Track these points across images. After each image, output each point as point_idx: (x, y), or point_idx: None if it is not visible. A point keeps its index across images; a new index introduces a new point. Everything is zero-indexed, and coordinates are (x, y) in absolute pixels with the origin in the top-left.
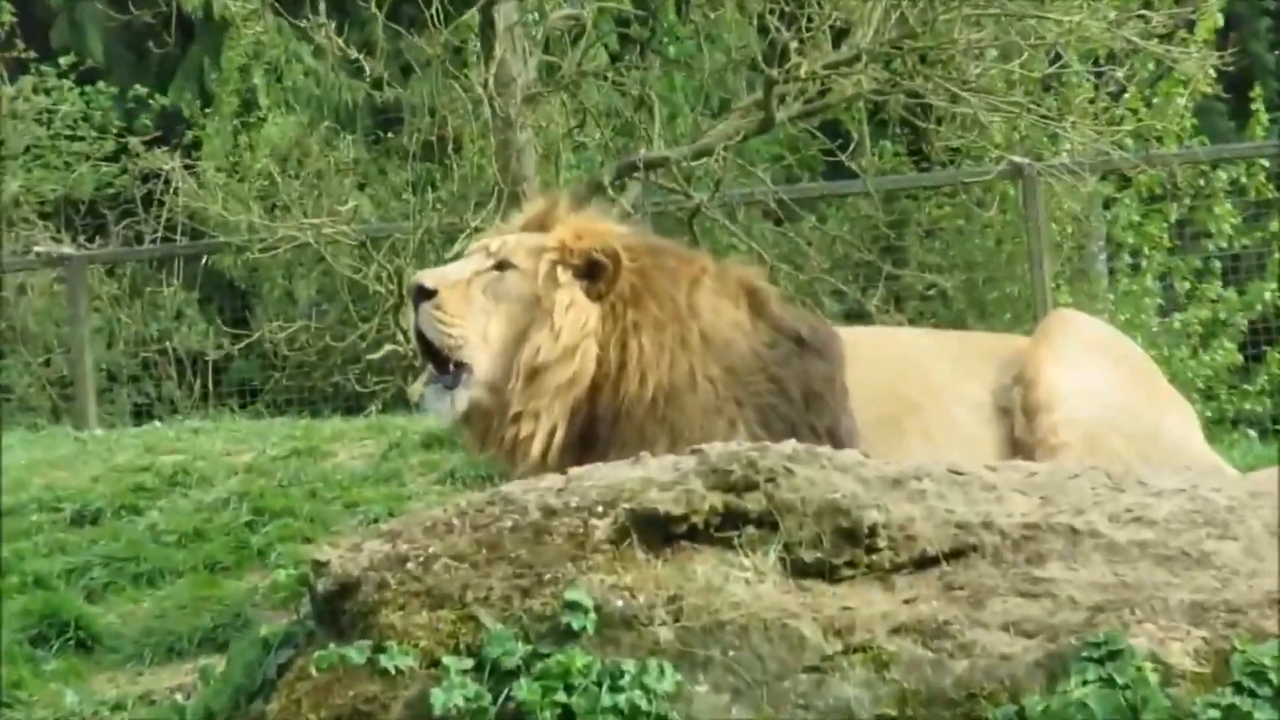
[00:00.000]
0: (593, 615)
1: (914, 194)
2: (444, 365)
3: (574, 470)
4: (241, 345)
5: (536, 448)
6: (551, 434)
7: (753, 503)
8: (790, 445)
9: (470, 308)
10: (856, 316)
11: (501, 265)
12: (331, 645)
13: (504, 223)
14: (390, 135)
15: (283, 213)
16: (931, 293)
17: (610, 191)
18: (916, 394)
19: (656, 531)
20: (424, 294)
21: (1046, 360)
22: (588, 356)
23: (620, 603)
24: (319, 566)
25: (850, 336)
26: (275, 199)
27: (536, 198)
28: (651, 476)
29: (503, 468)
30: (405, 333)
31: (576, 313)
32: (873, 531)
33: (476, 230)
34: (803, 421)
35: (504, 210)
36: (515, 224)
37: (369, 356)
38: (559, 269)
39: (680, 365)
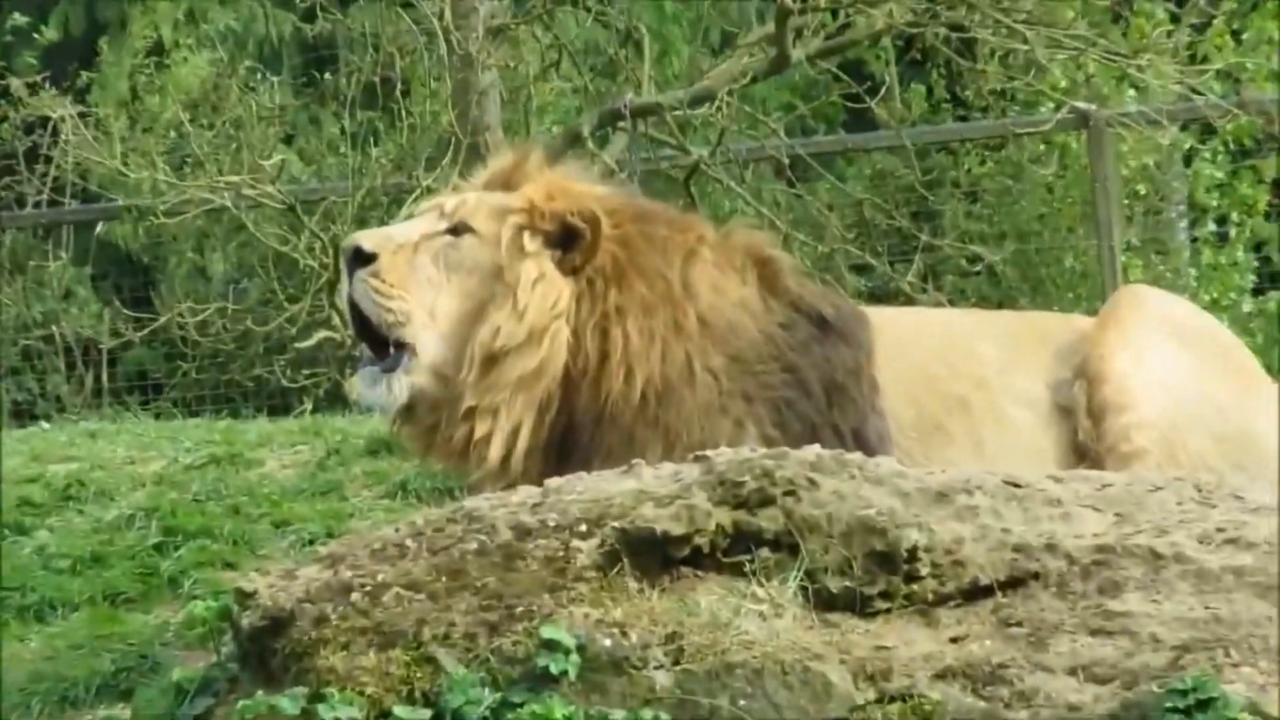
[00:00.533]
0: (574, 656)
1: (953, 148)
2: (382, 347)
3: (552, 482)
4: (144, 331)
5: (495, 451)
6: (514, 434)
7: (768, 520)
8: (813, 451)
9: (416, 278)
10: (885, 296)
11: (457, 229)
12: (259, 693)
13: (463, 180)
14: (324, 77)
15: (194, 170)
16: (976, 267)
17: (590, 145)
18: (961, 388)
19: (652, 555)
20: (361, 259)
21: (1115, 347)
22: (557, 342)
23: (608, 641)
24: (244, 597)
25: (880, 319)
26: (185, 153)
27: (503, 151)
28: (646, 489)
29: (456, 476)
30: (341, 314)
31: (545, 289)
32: (913, 555)
33: (428, 191)
34: (824, 421)
35: (462, 167)
36: (477, 181)
37: (299, 345)
38: (526, 235)
39: (674, 356)
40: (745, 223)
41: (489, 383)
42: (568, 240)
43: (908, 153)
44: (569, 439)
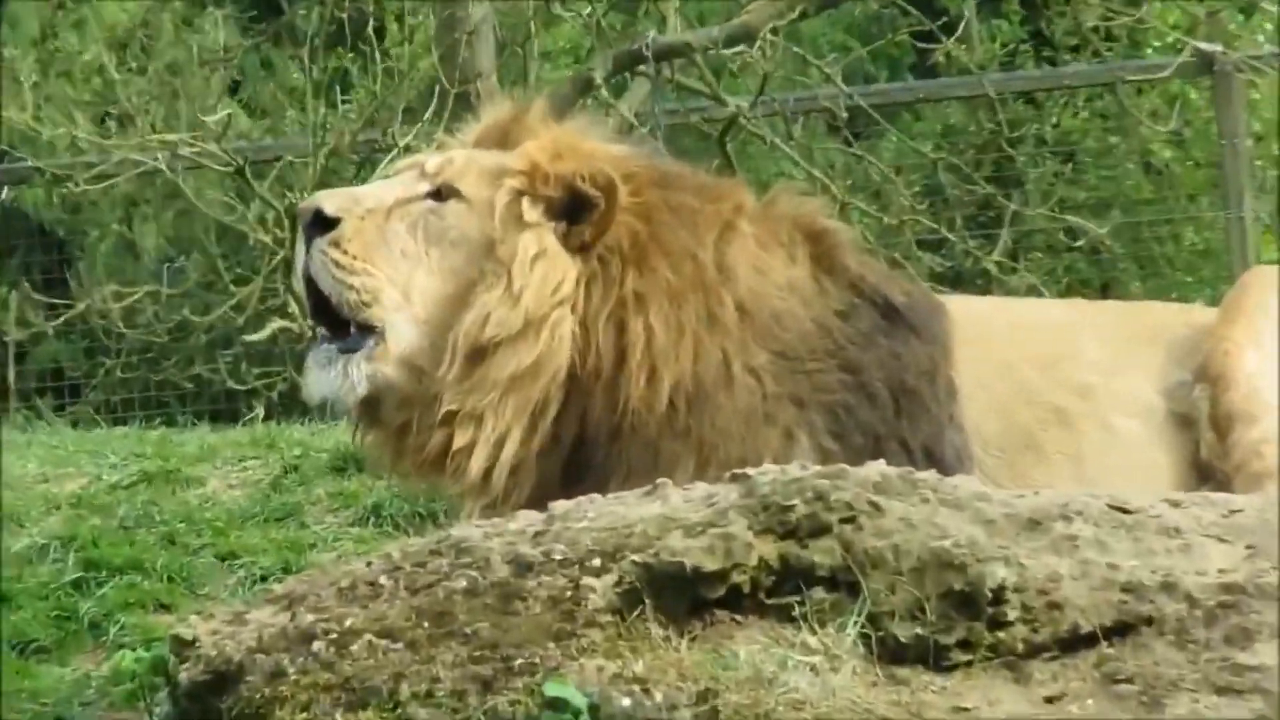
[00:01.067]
0: (586, 718)
1: (1038, 99)
2: (343, 329)
3: (558, 506)
4: (58, 320)
5: (476, 463)
6: (499, 445)
7: (822, 554)
8: (877, 469)
9: (388, 249)
10: (963, 278)
11: (441, 192)
12: None
13: (450, 136)
14: (280, 13)
15: (121, 125)
16: (1076, 243)
17: (605, 94)
18: (1058, 397)
19: (681, 596)
20: (321, 224)
21: (1243, 344)
22: (559, 334)
23: (627, 700)
24: (182, 646)
25: (961, 310)
26: (110, 104)
27: (499, 102)
28: (674, 515)
29: (427, 491)
30: (299, 299)
31: (547, 268)
32: (999, 596)
33: (406, 151)
34: (891, 433)
35: (448, 122)
36: (467, 138)
37: (248, 338)
38: (525, 202)
39: (708, 353)
40: (793, 188)
41: (474, 381)
42: (576, 210)
43: (990, 103)
44: (580, 456)
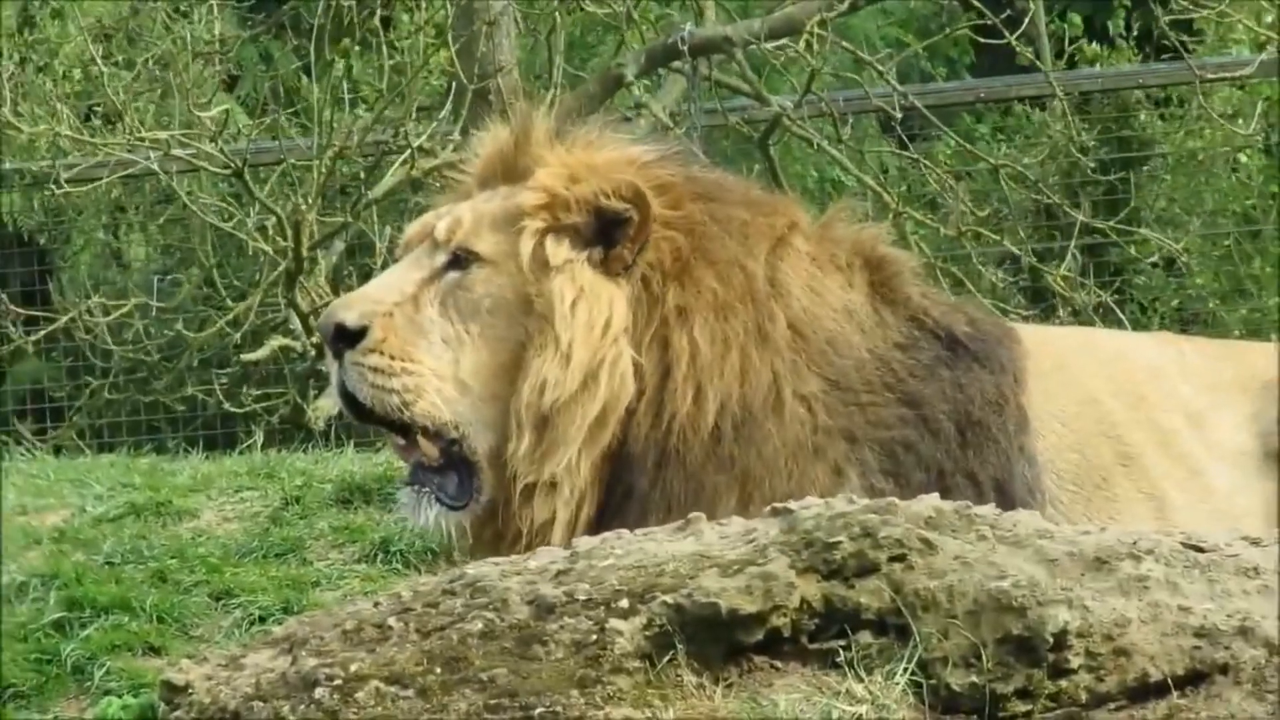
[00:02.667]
0: None
1: (1114, 99)
2: (405, 432)
3: (581, 542)
4: (38, 335)
5: (559, 535)
6: (579, 506)
7: (870, 595)
8: (929, 503)
9: (427, 342)
10: (1031, 295)
11: (459, 259)
12: None
13: (456, 172)
14: (281, 2)
15: (107, 123)
16: (1153, 260)
17: (637, 91)
18: (1140, 436)
19: (716, 640)
20: (345, 337)
21: None
22: (618, 370)
23: None
24: (173, 692)
25: (1037, 339)
26: (95, 101)
27: (495, 127)
28: (708, 552)
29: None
30: (301, 314)
31: (589, 307)
32: (1061, 641)
33: (420, 153)
34: (957, 468)
35: (466, 121)
36: (471, 172)
37: (246, 357)
38: (549, 241)
39: (757, 373)
40: (850, 209)
41: (545, 449)
42: (608, 231)
43: (1065, 104)
44: (624, 482)
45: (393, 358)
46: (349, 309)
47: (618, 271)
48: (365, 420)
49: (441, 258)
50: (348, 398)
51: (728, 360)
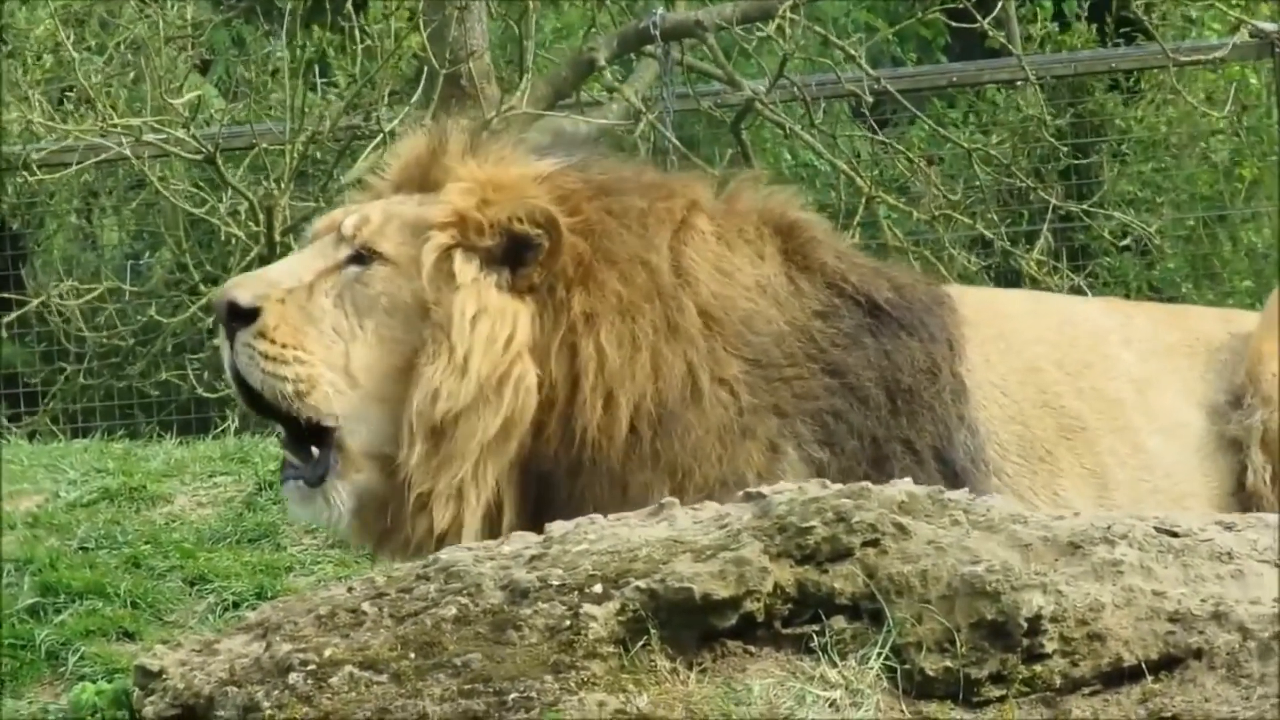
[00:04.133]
0: None
1: (1089, 85)
2: (291, 423)
3: (556, 527)
4: (10, 318)
5: (470, 538)
6: (497, 511)
7: (843, 580)
8: (903, 487)
9: (317, 330)
10: (1006, 278)
11: (362, 255)
12: None
13: (378, 172)
14: None
15: (79, 108)
16: (1123, 242)
17: (608, 76)
18: (1083, 405)
19: (689, 625)
20: (240, 316)
21: None
22: (523, 387)
23: None
24: (147, 678)
25: (975, 303)
26: (67, 86)
27: (413, 136)
28: (682, 537)
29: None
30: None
31: (491, 325)
32: (1035, 626)
33: (392, 138)
34: (892, 434)
35: (437, 104)
36: (388, 177)
37: (219, 342)
38: (457, 257)
39: (670, 368)
40: (756, 178)
41: (441, 459)
42: (517, 254)
43: (1036, 90)
44: (543, 495)
45: (284, 345)
46: (243, 288)
47: (523, 290)
48: (255, 407)
49: (345, 251)
50: (239, 381)
51: (638, 361)
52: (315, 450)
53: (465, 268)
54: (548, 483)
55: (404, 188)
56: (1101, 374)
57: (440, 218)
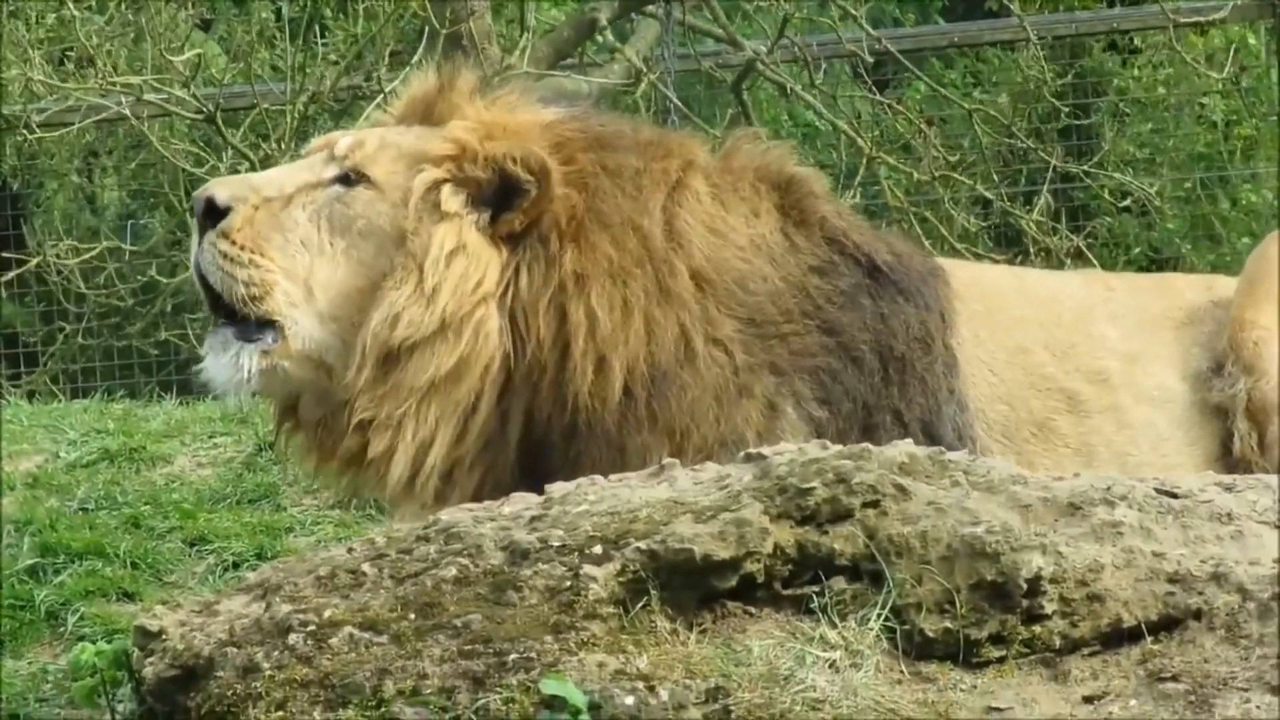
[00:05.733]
0: (586, 718)
1: (1088, 46)
2: (243, 323)
3: (557, 488)
4: (8, 277)
5: (398, 470)
6: (424, 450)
7: (843, 541)
8: (903, 448)
9: (284, 239)
10: (1008, 239)
11: (350, 177)
12: None
13: (389, 108)
14: None
15: (79, 68)
16: (1125, 206)
17: (608, 37)
18: (1072, 382)
19: (689, 586)
20: (214, 214)
21: (1273, 330)
22: (483, 332)
23: (630, 699)
24: (147, 638)
25: (966, 278)
26: (67, 45)
27: (424, 73)
28: (682, 498)
29: (347, 489)
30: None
31: (465, 264)
32: (1035, 587)
33: (391, 98)
34: (882, 402)
35: (438, 66)
36: (394, 110)
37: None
38: (446, 190)
39: (663, 330)
40: (753, 135)
41: (389, 388)
42: (506, 195)
43: (1037, 48)
44: (536, 460)
45: (243, 248)
46: (224, 187)
47: (501, 236)
48: (215, 308)
49: (333, 170)
50: (201, 279)
51: (630, 325)
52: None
53: (451, 200)
54: (545, 447)
55: (407, 120)
56: (1088, 353)
57: (440, 150)
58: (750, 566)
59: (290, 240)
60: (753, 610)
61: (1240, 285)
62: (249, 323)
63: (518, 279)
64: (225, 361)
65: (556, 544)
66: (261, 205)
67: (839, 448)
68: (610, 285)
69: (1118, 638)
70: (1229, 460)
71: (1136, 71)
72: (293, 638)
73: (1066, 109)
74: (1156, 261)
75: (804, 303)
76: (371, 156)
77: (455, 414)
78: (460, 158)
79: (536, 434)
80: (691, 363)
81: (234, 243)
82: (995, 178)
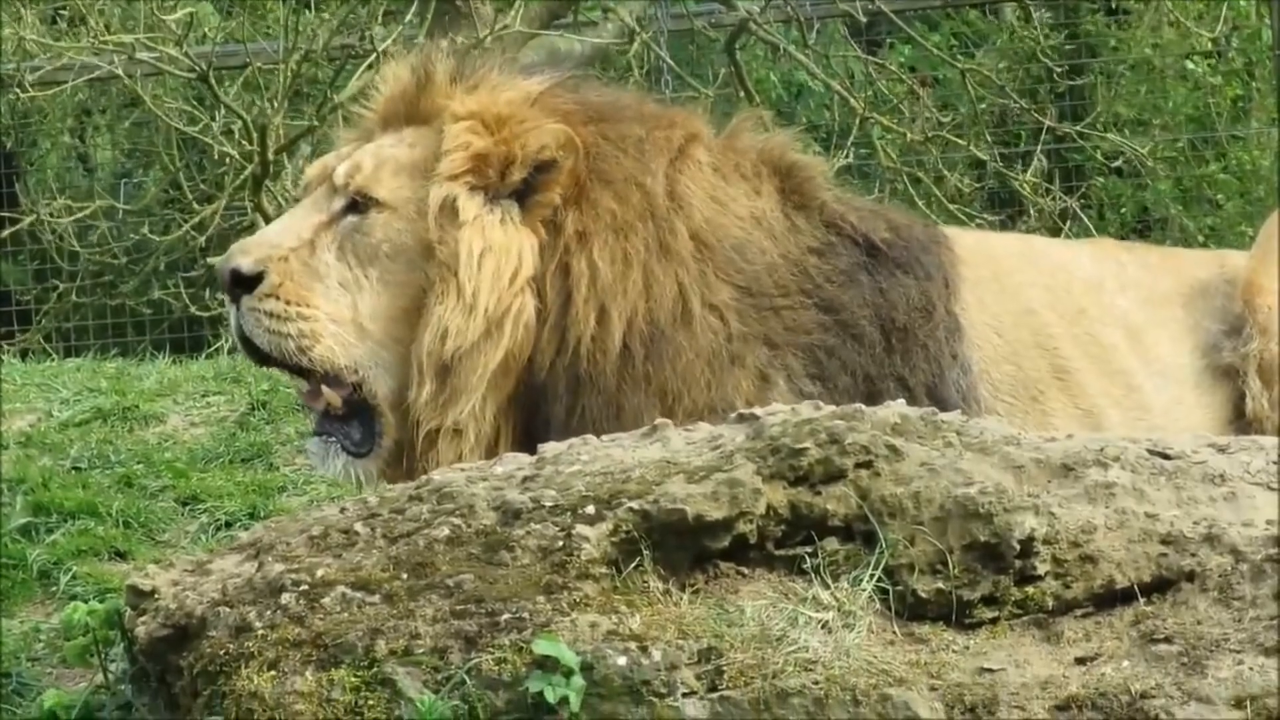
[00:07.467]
0: (578, 679)
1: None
2: (307, 377)
3: (549, 448)
4: (2, 236)
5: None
6: (495, 446)
7: (836, 502)
8: (896, 409)
9: (324, 285)
10: (999, 201)
11: (358, 204)
12: None
13: (364, 104)
14: None
15: (72, 26)
16: (1117, 166)
17: None
18: (1077, 349)
19: (682, 546)
20: (241, 283)
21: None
22: (523, 319)
23: (622, 659)
24: (139, 598)
25: (973, 246)
26: (60, 4)
27: (396, 68)
28: (675, 459)
29: None
30: (267, 218)
31: (496, 261)
32: (1028, 548)
33: (386, 56)
34: (886, 372)
35: (432, 22)
36: (372, 115)
37: (212, 260)
38: (461, 194)
39: (661, 287)
40: (756, 118)
41: (448, 395)
42: (527, 184)
43: (1023, 11)
44: (540, 413)
45: (288, 303)
46: (245, 254)
47: (538, 222)
48: (266, 364)
49: (340, 202)
50: (246, 343)
51: (630, 278)
52: (344, 409)
53: (469, 204)
54: (548, 398)
55: (391, 123)
56: (1096, 319)
57: (456, 167)
58: (743, 527)
59: (330, 285)
60: (745, 571)
61: (1255, 251)
62: (345, 423)
63: (541, 258)
64: (348, 474)
65: (549, 504)
66: (290, 256)
67: (832, 408)
68: (612, 238)
69: (1110, 599)
70: (1241, 423)
71: (1125, 32)
72: (285, 597)
73: (1059, 69)
74: (1144, 222)
75: (802, 281)
76: (373, 177)
77: (504, 397)
78: (483, 165)
79: (544, 384)
80: (688, 325)
81: (279, 299)
82: (989, 138)
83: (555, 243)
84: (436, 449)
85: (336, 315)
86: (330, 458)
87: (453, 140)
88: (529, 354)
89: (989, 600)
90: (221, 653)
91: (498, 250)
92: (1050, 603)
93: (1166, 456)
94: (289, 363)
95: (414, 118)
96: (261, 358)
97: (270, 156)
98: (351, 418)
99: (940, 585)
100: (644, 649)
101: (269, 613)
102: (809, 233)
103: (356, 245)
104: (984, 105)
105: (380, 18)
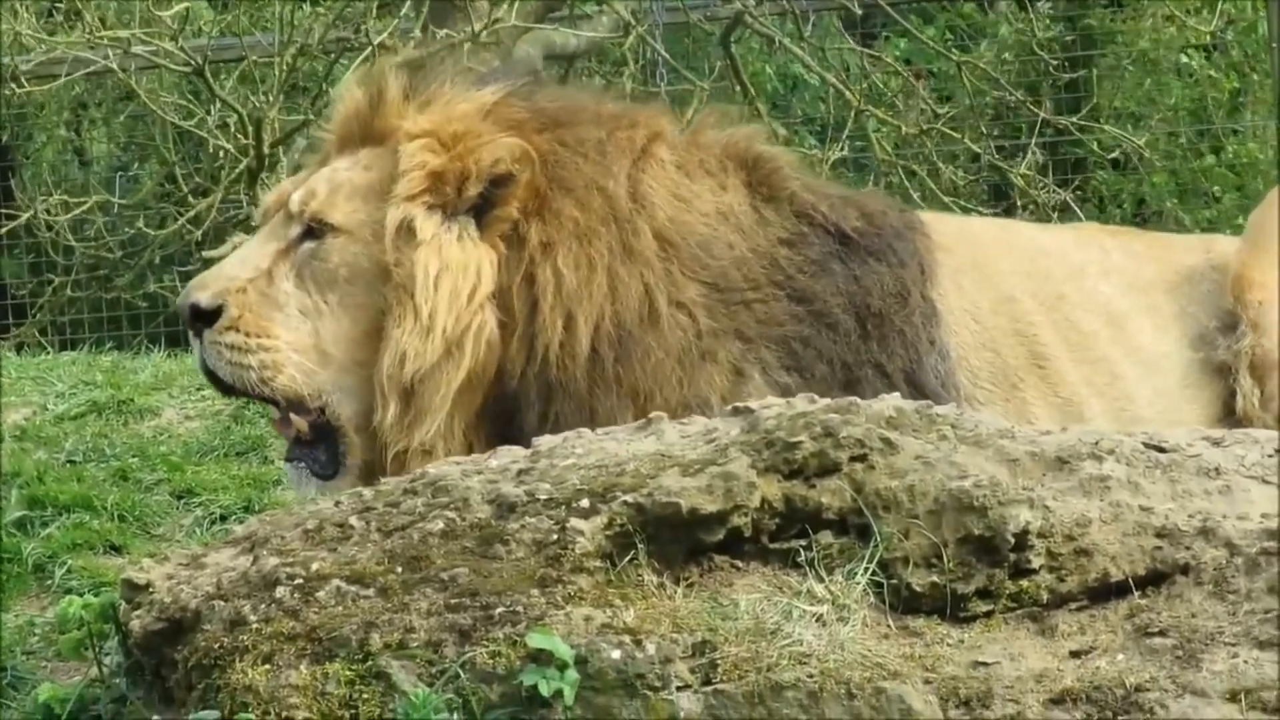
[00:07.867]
0: (572, 673)
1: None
2: (277, 405)
3: (544, 441)
4: None
5: None
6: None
7: (830, 495)
8: (891, 402)
9: (284, 315)
10: (996, 193)
11: (312, 231)
12: (155, 718)
13: (322, 125)
14: None
15: (68, 21)
16: (1113, 158)
17: None
18: (1056, 336)
19: (676, 539)
20: (202, 317)
21: (1274, 278)
22: (483, 336)
23: (617, 653)
24: (134, 591)
25: (954, 232)
26: None
27: (349, 89)
28: (669, 452)
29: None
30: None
31: (453, 280)
32: (1022, 541)
33: (381, 50)
34: (863, 359)
35: (427, 18)
36: (329, 136)
37: (208, 254)
38: (418, 215)
39: (627, 289)
40: (720, 113)
41: (413, 416)
42: (485, 199)
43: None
44: (513, 424)
45: (249, 334)
46: (203, 289)
47: (498, 237)
48: (231, 395)
49: (296, 229)
50: (211, 375)
51: (594, 282)
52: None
53: (425, 224)
54: (521, 406)
55: (347, 144)
56: (1076, 305)
57: (413, 187)
58: (737, 520)
59: (290, 314)
60: (740, 564)
61: (1243, 244)
62: (313, 448)
63: (504, 270)
64: (310, 493)
65: (544, 497)
66: (248, 288)
67: (826, 401)
68: (575, 245)
69: (1105, 592)
70: (1231, 420)
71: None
72: (280, 591)
73: (1056, 63)
74: (1142, 215)
75: (773, 273)
76: (328, 202)
77: (472, 414)
78: (440, 184)
79: (509, 392)
80: (655, 324)
81: (239, 331)
82: (984, 130)
83: (520, 254)
84: (406, 469)
85: (297, 343)
86: (303, 483)
87: (408, 160)
88: (497, 366)
89: (983, 593)
90: (216, 646)
91: (455, 269)
92: (1045, 596)
93: (1161, 450)
94: (253, 393)
95: (369, 138)
96: (226, 389)
97: (265, 150)
98: (319, 442)
99: (935, 579)
100: (638, 642)
101: (263, 606)
102: (778, 224)
103: (315, 271)
104: (983, 99)
105: (375, 11)
